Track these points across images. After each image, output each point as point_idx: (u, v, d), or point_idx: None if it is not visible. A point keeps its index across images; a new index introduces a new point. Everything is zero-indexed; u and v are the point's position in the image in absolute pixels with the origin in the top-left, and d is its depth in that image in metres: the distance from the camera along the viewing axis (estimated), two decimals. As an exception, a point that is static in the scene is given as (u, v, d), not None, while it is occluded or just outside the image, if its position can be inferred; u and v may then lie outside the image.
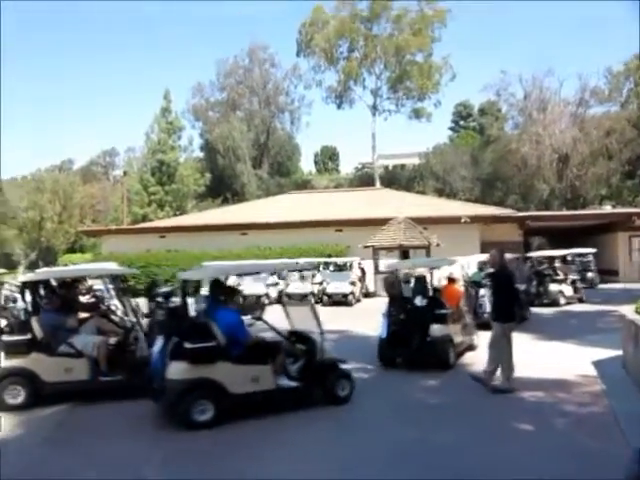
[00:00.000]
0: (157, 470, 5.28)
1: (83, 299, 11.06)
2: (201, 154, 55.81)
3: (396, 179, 50.29)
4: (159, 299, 7.34)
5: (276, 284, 21.77)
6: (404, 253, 22.08)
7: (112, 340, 8.28)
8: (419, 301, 9.12)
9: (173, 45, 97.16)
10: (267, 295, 20.98)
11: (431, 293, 9.57)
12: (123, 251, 27.13)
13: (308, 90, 54.33)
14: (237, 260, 24.20)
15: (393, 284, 9.25)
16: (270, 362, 6.60)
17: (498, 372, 7.63)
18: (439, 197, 41.30)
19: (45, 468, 5.41)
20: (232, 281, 22.14)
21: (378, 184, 45.57)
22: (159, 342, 6.57)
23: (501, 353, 7.53)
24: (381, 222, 23.10)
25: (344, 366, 7.18)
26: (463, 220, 24.31)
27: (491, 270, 8.77)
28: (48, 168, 58.51)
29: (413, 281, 9.74)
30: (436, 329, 8.82)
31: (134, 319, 7.84)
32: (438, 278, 11.00)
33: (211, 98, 56.14)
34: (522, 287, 13.54)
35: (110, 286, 9.73)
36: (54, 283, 8.35)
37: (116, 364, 7.55)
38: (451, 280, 10.76)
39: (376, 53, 47.39)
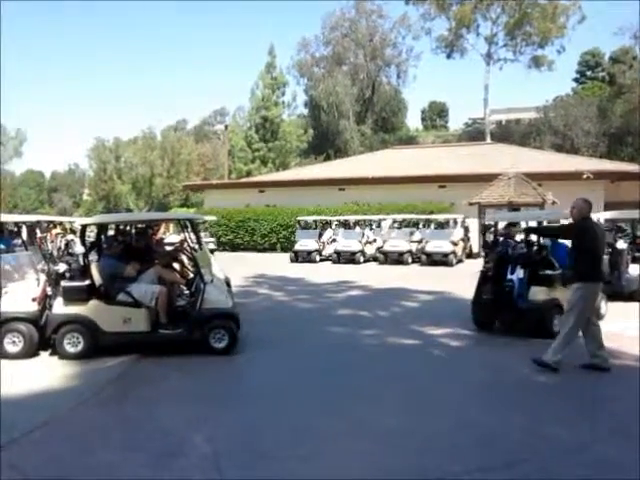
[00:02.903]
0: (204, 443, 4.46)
1: (169, 248, 10.76)
2: (305, 110, 55.27)
3: (509, 135, 46.37)
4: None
5: (374, 241, 20.87)
6: (514, 211, 20.04)
7: (181, 290, 7.83)
8: None
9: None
10: (363, 252, 20.14)
11: None
12: (224, 206, 27.50)
13: (416, 41, 51.80)
14: (336, 215, 23.52)
15: None
16: None
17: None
18: (558, 153, 37.50)
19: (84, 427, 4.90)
20: (327, 236, 21.71)
21: (489, 140, 42.44)
22: (519, 271, 7.84)
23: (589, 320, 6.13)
24: (490, 178, 21.00)
25: None
26: (585, 176, 21.56)
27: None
28: (164, 129, 60.78)
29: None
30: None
31: (198, 270, 7.17)
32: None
33: (316, 53, 54.97)
34: None
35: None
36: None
37: (177, 316, 7.02)
38: None
39: (493, -5, 43.39)
